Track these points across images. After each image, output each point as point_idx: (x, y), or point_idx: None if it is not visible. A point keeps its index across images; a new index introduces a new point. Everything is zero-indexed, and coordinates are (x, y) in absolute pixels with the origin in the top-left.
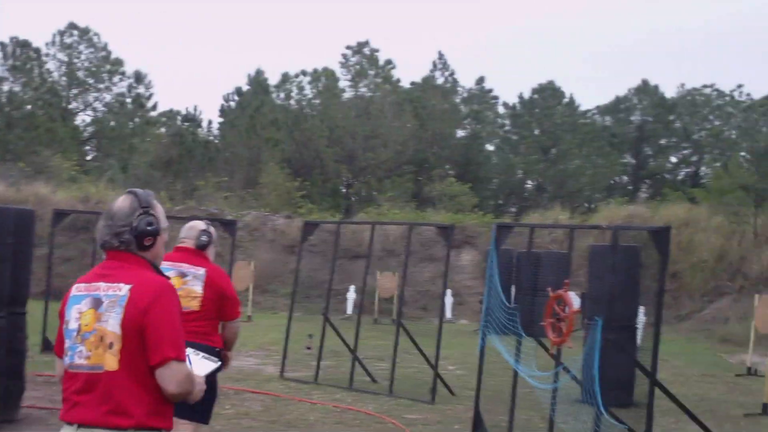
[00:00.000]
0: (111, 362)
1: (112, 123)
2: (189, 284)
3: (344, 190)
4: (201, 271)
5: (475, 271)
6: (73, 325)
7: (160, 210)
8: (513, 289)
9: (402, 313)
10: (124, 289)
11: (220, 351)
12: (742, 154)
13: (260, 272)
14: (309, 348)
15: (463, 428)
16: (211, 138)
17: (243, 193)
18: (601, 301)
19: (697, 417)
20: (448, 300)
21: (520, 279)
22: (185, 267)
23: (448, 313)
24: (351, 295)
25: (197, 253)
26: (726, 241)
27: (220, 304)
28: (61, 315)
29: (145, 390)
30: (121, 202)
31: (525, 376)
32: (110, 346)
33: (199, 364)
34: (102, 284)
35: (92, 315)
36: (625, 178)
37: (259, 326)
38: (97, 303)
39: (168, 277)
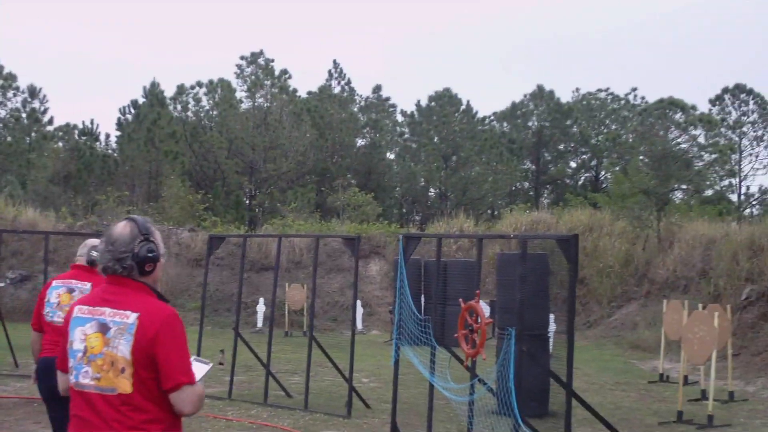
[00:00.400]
0: (124, 385)
1: (9, 138)
2: (75, 299)
3: (247, 202)
4: (87, 285)
5: (383, 281)
6: (78, 345)
7: (158, 237)
8: (422, 299)
9: (313, 326)
10: (131, 317)
11: None
12: (641, 158)
13: (167, 287)
14: (221, 363)
15: None
16: (110, 152)
17: (145, 207)
18: (512, 310)
19: (614, 426)
20: (359, 311)
21: (429, 289)
22: (74, 283)
23: (359, 325)
24: (261, 307)
25: (87, 269)
26: (631, 246)
27: None
28: (65, 334)
29: (159, 408)
30: (122, 228)
31: (440, 389)
32: (122, 370)
33: (194, 367)
34: (107, 310)
35: (100, 339)
36: (527, 184)
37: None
38: (104, 328)
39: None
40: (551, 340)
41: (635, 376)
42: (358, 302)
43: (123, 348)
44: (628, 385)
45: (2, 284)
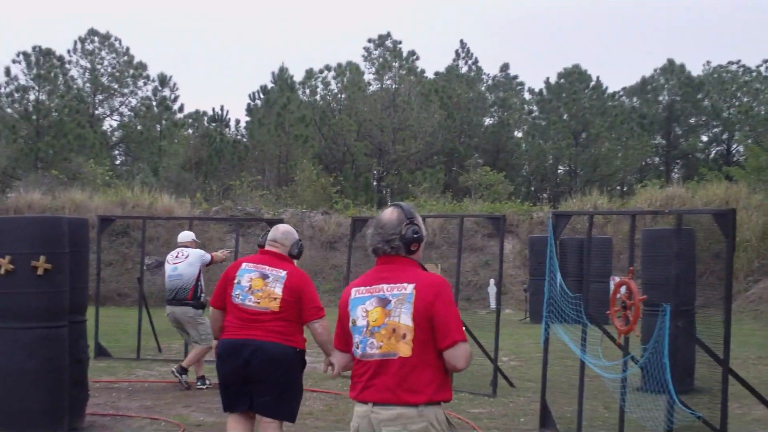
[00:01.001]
0: (405, 350)
1: (140, 127)
2: (269, 286)
3: (376, 184)
4: (282, 273)
5: (517, 259)
6: (361, 322)
7: (420, 220)
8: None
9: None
10: (409, 288)
11: (302, 352)
12: None
13: (302, 269)
14: None
15: (528, 421)
16: (240, 137)
17: (278, 191)
18: (659, 286)
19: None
20: (492, 290)
21: (565, 267)
22: (268, 269)
23: (492, 303)
24: (492, 289)
25: (281, 256)
26: None
27: (299, 306)
28: (345, 316)
29: (433, 370)
30: (390, 214)
31: (593, 366)
32: (404, 336)
33: None
34: (384, 285)
35: (380, 312)
36: (657, 159)
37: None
38: (383, 302)
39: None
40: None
41: None
42: (492, 281)
43: (404, 316)
44: None
45: (146, 267)
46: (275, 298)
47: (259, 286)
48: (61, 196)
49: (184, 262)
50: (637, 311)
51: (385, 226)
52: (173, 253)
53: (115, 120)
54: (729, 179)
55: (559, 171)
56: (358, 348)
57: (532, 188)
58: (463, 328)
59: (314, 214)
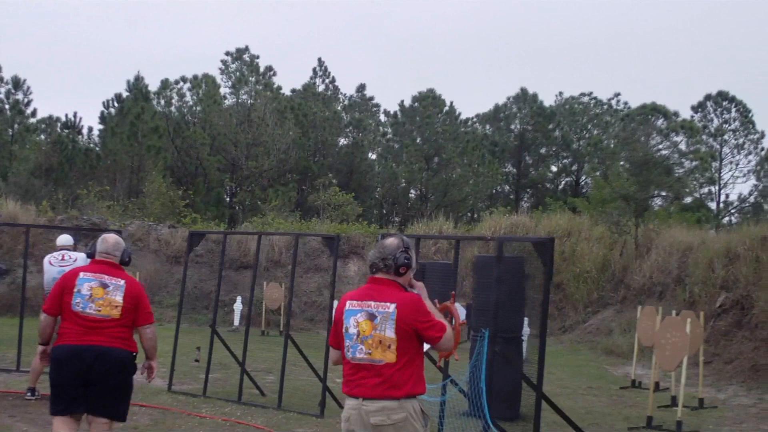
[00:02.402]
0: (390, 357)
1: None
2: (110, 294)
3: (228, 199)
4: (121, 282)
5: (362, 281)
6: (352, 330)
7: (413, 252)
8: None
9: (290, 325)
10: (391, 307)
11: (135, 355)
12: (621, 163)
13: (146, 283)
14: (197, 360)
15: None
16: (92, 146)
17: (126, 203)
18: (487, 312)
19: (583, 430)
20: (238, 307)
21: None
22: (107, 278)
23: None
24: (238, 306)
25: (116, 266)
26: (608, 251)
27: (135, 312)
28: (339, 322)
29: (411, 369)
30: (391, 240)
31: None
32: (389, 346)
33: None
34: (372, 302)
35: (369, 324)
36: (507, 187)
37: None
38: (371, 316)
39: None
40: (524, 343)
41: (608, 382)
42: (335, 302)
43: (389, 330)
44: (600, 390)
45: None
46: (116, 306)
47: (99, 294)
48: None
49: (72, 264)
50: (457, 335)
51: (385, 249)
52: (56, 255)
53: None
54: (573, 210)
55: (410, 195)
56: (348, 351)
57: (384, 211)
58: (442, 318)
59: (161, 227)
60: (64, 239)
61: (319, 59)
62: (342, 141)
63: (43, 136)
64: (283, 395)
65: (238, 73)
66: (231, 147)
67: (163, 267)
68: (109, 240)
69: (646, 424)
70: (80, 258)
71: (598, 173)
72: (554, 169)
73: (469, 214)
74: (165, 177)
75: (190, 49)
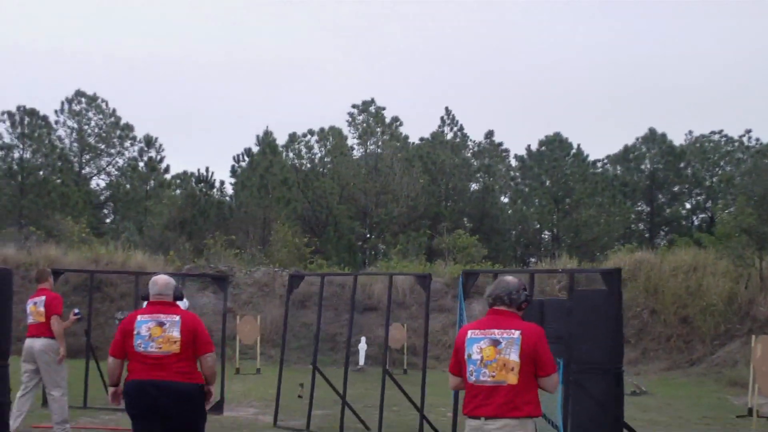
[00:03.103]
0: (512, 379)
1: (127, 186)
2: (167, 331)
3: (361, 245)
4: (176, 317)
5: None
6: (476, 356)
7: (527, 289)
8: None
9: (387, 360)
10: (516, 333)
11: (201, 386)
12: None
13: (272, 327)
14: (300, 396)
15: None
16: (225, 198)
17: (254, 251)
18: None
19: None
20: (362, 347)
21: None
22: (162, 317)
23: (361, 361)
24: (362, 346)
25: (170, 304)
26: (734, 285)
27: (194, 344)
28: (461, 350)
29: (531, 393)
30: (512, 279)
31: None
32: (512, 369)
33: None
34: (495, 330)
35: (492, 350)
36: (641, 225)
37: (267, 378)
38: (495, 342)
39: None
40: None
41: (725, 411)
42: (363, 339)
43: (513, 354)
44: (714, 420)
45: (117, 321)
46: (175, 341)
47: (158, 333)
48: (35, 252)
49: None
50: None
51: (509, 285)
52: None
53: (103, 179)
54: (699, 245)
55: (544, 236)
56: (472, 375)
57: (518, 252)
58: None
59: (286, 273)
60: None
61: (446, 108)
62: (473, 186)
63: (178, 191)
64: (390, 429)
65: (364, 125)
66: (360, 195)
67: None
68: (159, 281)
69: None
70: (181, 303)
71: (730, 209)
72: (688, 206)
73: (598, 253)
74: (292, 226)
75: (316, 103)
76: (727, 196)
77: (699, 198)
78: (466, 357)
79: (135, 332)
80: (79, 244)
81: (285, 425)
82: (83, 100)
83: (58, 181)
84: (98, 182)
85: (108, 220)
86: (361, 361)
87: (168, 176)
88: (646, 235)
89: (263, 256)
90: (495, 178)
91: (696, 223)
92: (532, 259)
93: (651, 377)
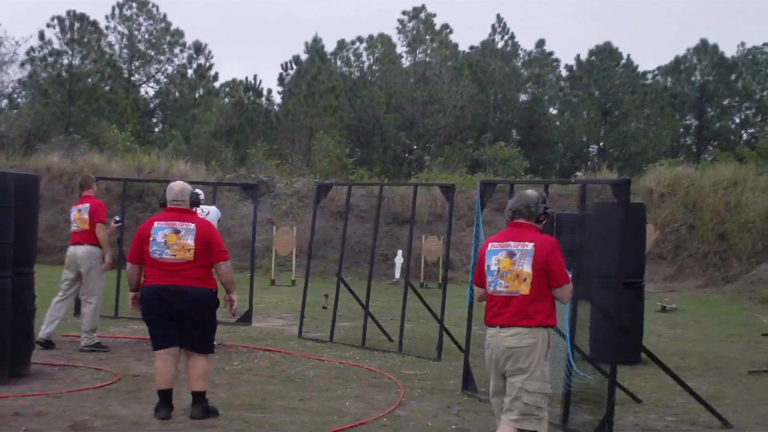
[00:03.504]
0: (525, 289)
1: (176, 94)
2: (182, 239)
3: (407, 156)
4: (192, 225)
5: None
6: (494, 267)
7: (548, 202)
8: None
9: (409, 272)
10: (530, 245)
11: (215, 292)
12: None
13: (314, 238)
14: (325, 307)
15: (457, 383)
16: (272, 107)
17: (295, 161)
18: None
19: (671, 370)
20: (399, 260)
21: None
22: (178, 224)
23: (397, 274)
24: (398, 259)
25: (186, 211)
26: None
27: (209, 252)
28: (482, 261)
29: (545, 303)
30: (532, 192)
31: None
32: (525, 279)
33: None
34: (512, 242)
35: (508, 261)
36: (689, 140)
37: (301, 290)
38: (511, 254)
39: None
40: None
41: (753, 329)
42: (399, 252)
43: (526, 266)
44: (741, 337)
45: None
46: (189, 249)
47: (173, 240)
48: (79, 160)
49: (205, 218)
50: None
51: (529, 198)
52: None
53: (152, 87)
54: (740, 160)
55: (591, 148)
56: (490, 286)
57: (566, 165)
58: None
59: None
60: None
61: (498, 15)
62: (522, 97)
63: (226, 99)
64: (411, 341)
65: (414, 32)
66: (407, 105)
67: (328, 222)
68: (175, 188)
69: None
70: (212, 211)
71: None
72: (737, 120)
73: (645, 167)
74: (334, 136)
75: (366, 9)
76: None
77: (749, 112)
78: (486, 268)
79: (151, 239)
80: (123, 152)
81: (310, 336)
82: (134, 4)
83: (107, 88)
84: (147, 90)
85: (157, 129)
86: (397, 274)
87: (217, 84)
88: (694, 150)
89: (305, 165)
90: (544, 89)
91: (745, 137)
92: (578, 173)
93: (686, 294)
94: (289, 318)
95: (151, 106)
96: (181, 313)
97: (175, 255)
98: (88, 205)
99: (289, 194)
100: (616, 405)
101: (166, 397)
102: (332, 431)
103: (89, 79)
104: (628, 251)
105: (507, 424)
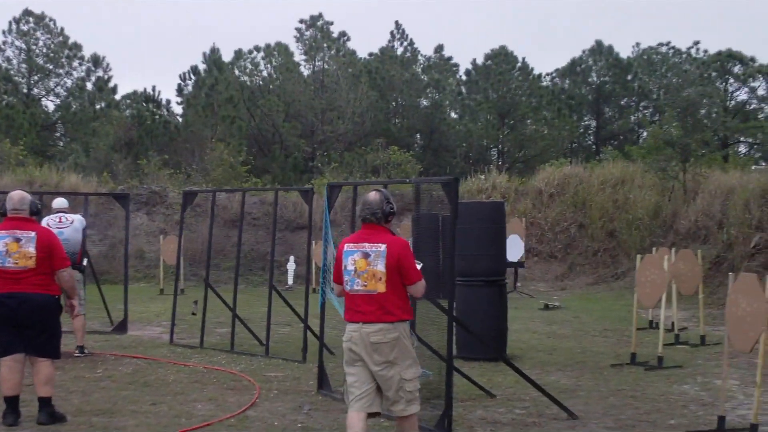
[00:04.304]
0: (381, 287)
1: (74, 107)
2: (23, 247)
3: (310, 164)
4: (32, 234)
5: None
6: (350, 267)
7: (393, 200)
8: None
9: (272, 277)
10: (382, 246)
11: (58, 298)
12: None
13: (203, 246)
14: (194, 314)
15: (316, 384)
16: (172, 118)
17: (189, 171)
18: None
19: (512, 364)
20: (291, 266)
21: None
22: (18, 232)
23: (290, 281)
24: (291, 265)
25: (27, 219)
26: (661, 198)
27: (50, 259)
28: (339, 261)
29: (401, 299)
30: (374, 195)
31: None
32: (380, 279)
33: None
34: (366, 244)
35: (364, 262)
36: (589, 140)
37: (188, 298)
38: (365, 255)
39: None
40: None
41: (630, 324)
42: (292, 258)
43: (380, 265)
44: (615, 332)
45: None
46: (30, 257)
47: (14, 248)
48: None
49: (70, 227)
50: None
51: (372, 203)
52: (54, 217)
53: (51, 101)
54: (628, 158)
55: (493, 151)
56: (347, 285)
57: (467, 168)
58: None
59: (219, 193)
60: (60, 202)
61: (396, 22)
62: (423, 102)
63: (128, 112)
64: (282, 345)
65: (312, 41)
66: (307, 113)
67: (220, 231)
68: (14, 197)
69: (630, 361)
70: (77, 220)
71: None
72: (632, 119)
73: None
74: (237, 144)
75: (264, 19)
76: (675, 110)
77: (646, 111)
78: (343, 268)
79: None
80: (14, 166)
81: (182, 342)
82: (31, 19)
83: (4, 102)
84: (47, 104)
85: (61, 143)
86: (290, 281)
87: (117, 97)
88: (594, 150)
89: (199, 175)
90: (444, 94)
91: (645, 136)
92: (482, 176)
93: (576, 291)
94: (168, 326)
95: (53, 119)
96: (25, 319)
97: (17, 263)
98: None
99: (182, 203)
100: (469, 401)
101: (12, 403)
102: None
103: None
104: (490, 250)
105: (399, 414)
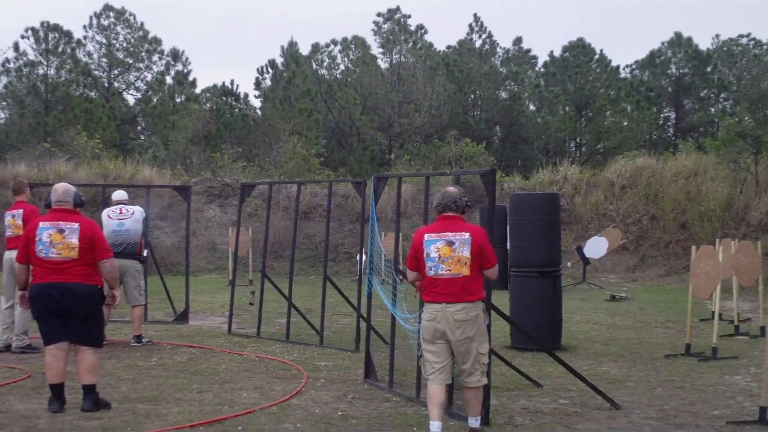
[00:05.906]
0: (465, 271)
1: (154, 101)
2: (67, 238)
3: (387, 156)
4: (75, 225)
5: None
6: (433, 254)
7: (466, 196)
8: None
9: (326, 267)
10: (466, 234)
11: (100, 288)
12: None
13: (275, 238)
14: (251, 304)
15: (363, 373)
16: (250, 111)
17: (262, 163)
18: (522, 248)
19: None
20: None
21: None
22: (62, 224)
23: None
24: (361, 257)
25: (72, 211)
26: (732, 190)
27: (93, 250)
28: (420, 249)
29: (478, 281)
30: (454, 189)
31: (398, 318)
32: (465, 263)
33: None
34: (449, 233)
35: (448, 248)
36: (669, 132)
37: (256, 289)
38: (449, 243)
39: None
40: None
41: (694, 316)
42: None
43: (466, 251)
44: (676, 324)
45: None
46: (74, 248)
47: (58, 239)
48: (46, 168)
49: (130, 218)
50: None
51: (454, 195)
52: (114, 209)
53: (131, 95)
54: (702, 150)
55: (570, 144)
56: (431, 270)
57: (545, 160)
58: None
59: (290, 185)
60: (120, 194)
61: (475, 15)
62: (502, 94)
63: (207, 105)
64: (332, 335)
65: (389, 35)
66: (384, 105)
67: (292, 223)
68: (58, 189)
69: (685, 352)
70: (137, 211)
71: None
72: (713, 111)
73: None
74: (313, 137)
75: (341, 13)
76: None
77: (726, 103)
78: (424, 255)
79: (37, 239)
80: (90, 159)
81: (240, 332)
82: (111, 14)
83: (83, 96)
84: (127, 98)
85: (142, 137)
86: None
87: (197, 90)
88: (673, 141)
89: (271, 167)
90: (523, 86)
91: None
92: (561, 168)
93: (647, 284)
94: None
95: (134, 113)
96: (68, 309)
97: (60, 253)
98: (21, 210)
99: (254, 196)
100: (515, 390)
101: (58, 391)
102: (214, 420)
103: (64, 88)
104: (543, 241)
105: (473, 384)
